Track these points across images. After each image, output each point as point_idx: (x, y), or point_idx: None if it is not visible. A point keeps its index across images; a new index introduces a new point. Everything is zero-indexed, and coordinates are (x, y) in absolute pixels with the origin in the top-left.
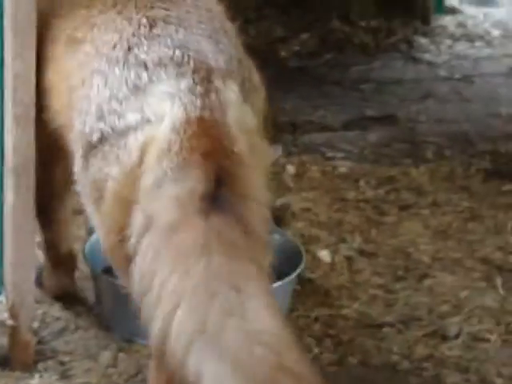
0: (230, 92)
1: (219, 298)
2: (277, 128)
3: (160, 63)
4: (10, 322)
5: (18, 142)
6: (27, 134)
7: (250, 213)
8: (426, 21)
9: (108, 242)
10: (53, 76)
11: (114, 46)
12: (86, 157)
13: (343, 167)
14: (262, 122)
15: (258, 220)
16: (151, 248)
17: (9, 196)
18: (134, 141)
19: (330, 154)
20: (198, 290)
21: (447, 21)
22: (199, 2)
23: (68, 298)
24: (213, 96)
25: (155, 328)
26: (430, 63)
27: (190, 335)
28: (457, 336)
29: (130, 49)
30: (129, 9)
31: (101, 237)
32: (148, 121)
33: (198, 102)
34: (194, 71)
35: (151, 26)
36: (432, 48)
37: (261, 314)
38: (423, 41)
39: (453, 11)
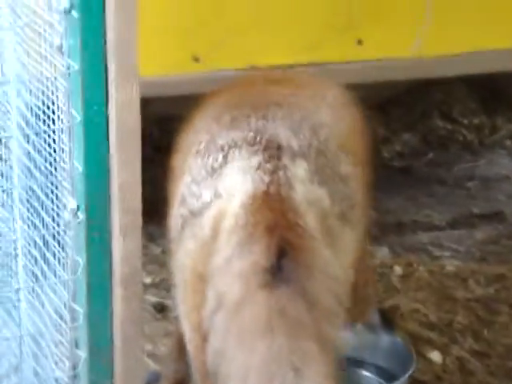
0: (299, 169)
1: (278, 379)
2: (382, 229)
3: (235, 145)
4: None
5: (126, 252)
6: (134, 243)
7: (314, 283)
8: None
9: (193, 337)
10: (169, 186)
11: (200, 143)
12: (174, 247)
13: (451, 266)
14: (351, 212)
15: (323, 291)
16: (221, 326)
17: (117, 306)
18: (207, 216)
19: (437, 253)
20: (260, 370)
21: None
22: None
23: None
24: (280, 173)
25: None
26: None
27: None
28: None
29: (211, 139)
30: (220, 110)
31: (186, 333)
32: (219, 196)
33: (266, 179)
34: (265, 149)
35: (233, 120)
36: None
37: None
38: None
39: None
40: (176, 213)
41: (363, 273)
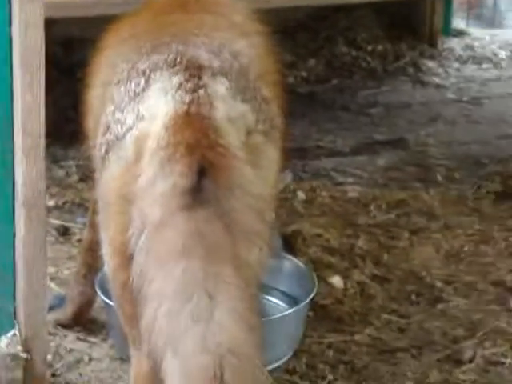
0: (220, 86)
1: (192, 303)
2: (286, 154)
3: (156, 67)
4: (23, 355)
5: (29, 175)
6: (37, 166)
7: (235, 203)
8: (433, 44)
9: (112, 262)
10: (85, 120)
11: (122, 71)
12: (98, 175)
13: (353, 192)
14: (273, 133)
15: (244, 210)
16: (144, 247)
17: (20, 229)
18: (130, 138)
19: (339, 179)
20: (176, 294)
21: (454, 43)
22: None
23: (81, 328)
24: (201, 91)
25: (143, 324)
26: (438, 86)
27: (165, 338)
28: (471, 360)
29: (132, 66)
30: (141, 41)
31: (106, 258)
32: (142, 118)
33: (187, 98)
34: (186, 69)
35: (153, 47)
36: (440, 71)
37: (225, 322)
38: (431, 64)
39: (460, 33)
40: (100, 141)
41: None
